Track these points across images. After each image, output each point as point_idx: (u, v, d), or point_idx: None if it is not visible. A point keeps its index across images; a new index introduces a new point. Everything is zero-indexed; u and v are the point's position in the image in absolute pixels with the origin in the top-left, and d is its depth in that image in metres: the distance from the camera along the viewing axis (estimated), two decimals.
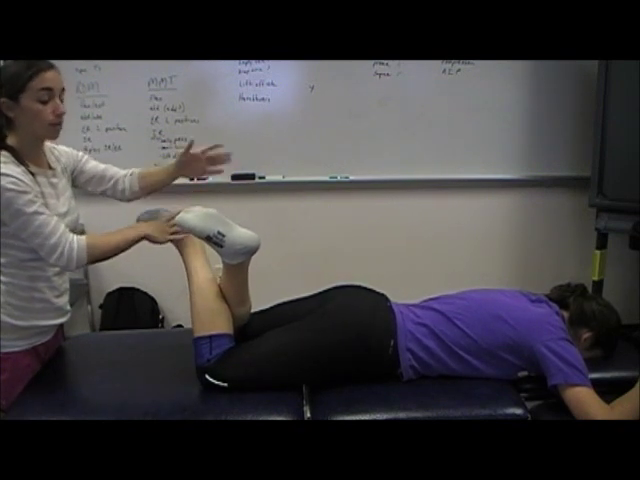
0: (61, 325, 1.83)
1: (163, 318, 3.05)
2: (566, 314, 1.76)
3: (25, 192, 1.50)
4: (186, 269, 1.74)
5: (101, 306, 3.02)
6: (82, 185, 1.83)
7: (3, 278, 1.59)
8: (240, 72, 2.80)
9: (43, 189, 1.60)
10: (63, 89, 1.58)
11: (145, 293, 3.02)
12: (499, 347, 1.65)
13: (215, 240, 1.60)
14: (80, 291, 2.94)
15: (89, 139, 2.83)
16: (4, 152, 1.52)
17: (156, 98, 2.81)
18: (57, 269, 1.68)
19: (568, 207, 3.09)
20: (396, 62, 2.83)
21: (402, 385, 1.66)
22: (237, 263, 1.64)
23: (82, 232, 1.83)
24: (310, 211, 3.02)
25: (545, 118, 2.97)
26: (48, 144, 1.71)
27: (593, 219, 2.72)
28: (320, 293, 1.83)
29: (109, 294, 3.02)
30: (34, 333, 1.68)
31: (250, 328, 1.76)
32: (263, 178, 2.93)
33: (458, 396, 1.60)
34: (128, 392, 1.64)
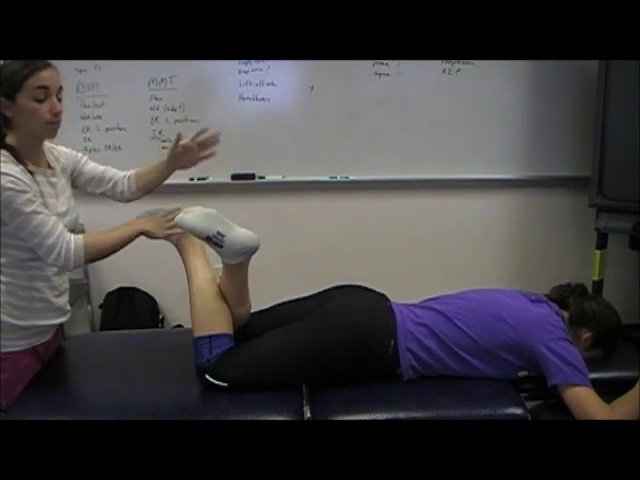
0: (61, 325, 1.83)
1: (163, 318, 3.05)
2: (566, 314, 1.76)
3: (24, 191, 1.50)
4: (186, 269, 1.74)
5: (101, 306, 3.02)
6: (82, 186, 1.83)
7: (3, 278, 1.59)
8: (240, 72, 2.80)
9: (42, 188, 1.60)
10: (60, 87, 1.58)
11: (145, 293, 3.02)
12: (499, 347, 1.65)
13: (215, 240, 1.60)
14: (80, 291, 2.94)
15: (89, 139, 2.83)
16: (3, 151, 1.52)
17: (156, 98, 2.81)
18: (56, 269, 1.68)
19: (568, 207, 3.09)
20: (396, 62, 2.83)
21: (402, 385, 1.66)
22: (237, 263, 1.64)
23: (82, 232, 1.83)
24: (310, 211, 3.02)
25: (545, 118, 2.98)
26: (47, 144, 1.71)
27: (593, 219, 2.72)
28: (320, 293, 1.83)
29: (109, 294, 3.02)
30: (34, 333, 1.68)
31: (250, 328, 1.76)
32: (263, 178, 2.93)
33: (458, 396, 1.60)
34: (128, 392, 1.64)
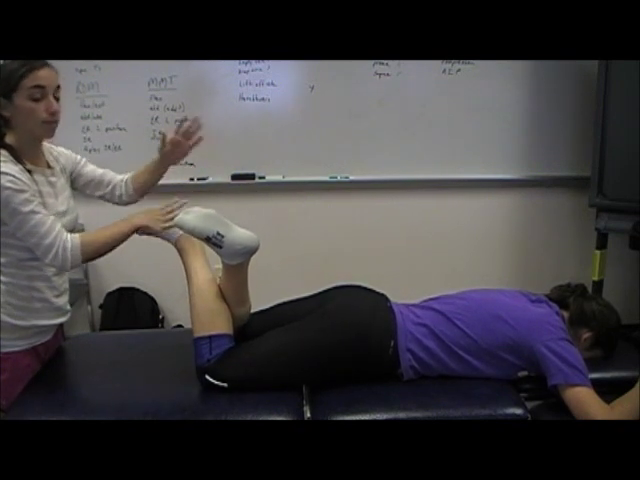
0: (61, 325, 1.83)
1: (163, 318, 3.05)
2: (566, 314, 1.76)
3: (22, 190, 1.50)
4: (185, 270, 1.74)
5: (101, 306, 3.02)
6: (81, 188, 1.83)
7: (3, 278, 1.59)
8: (240, 72, 2.80)
9: (41, 188, 1.60)
10: (58, 87, 1.57)
11: (145, 293, 3.02)
12: (499, 347, 1.65)
13: (214, 241, 1.60)
14: (80, 291, 2.94)
15: (89, 139, 2.83)
16: (2, 151, 1.52)
17: (156, 98, 2.81)
18: (56, 269, 1.68)
19: (568, 207, 3.09)
20: (396, 62, 2.83)
21: (402, 385, 1.66)
22: (236, 263, 1.64)
23: (81, 231, 1.83)
24: (310, 211, 3.02)
25: (545, 118, 2.98)
26: (46, 144, 1.71)
27: (593, 219, 2.72)
28: (320, 293, 1.83)
29: (109, 294, 3.02)
30: (34, 333, 1.68)
31: (250, 328, 1.76)
32: (263, 178, 2.93)
33: (458, 396, 1.60)
34: (128, 392, 1.64)
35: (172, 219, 1.67)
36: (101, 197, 1.88)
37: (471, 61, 2.86)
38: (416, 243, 3.07)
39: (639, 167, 2.46)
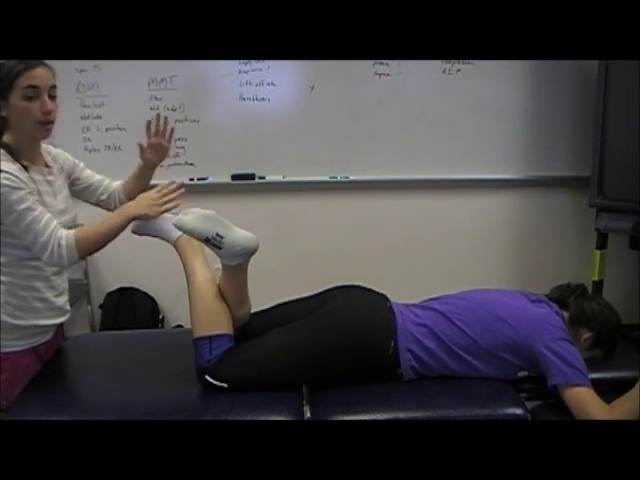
0: (61, 325, 1.83)
1: (163, 318, 3.05)
2: (566, 314, 1.76)
3: (19, 188, 1.50)
4: (185, 270, 1.74)
5: (101, 306, 3.02)
6: (78, 193, 1.83)
7: (3, 278, 1.59)
8: (240, 72, 2.80)
9: (40, 187, 1.60)
10: (54, 86, 1.57)
11: (145, 293, 3.02)
12: (499, 347, 1.65)
13: (214, 242, 1.60)
14: (80, 291, 2.94)
15: (89, 139, 2.84)
16: (0, 150, 1.53)
17: (156, 98, 2.81)
18: (55, 269, 1.68)
19: (568, 207, 3.09)
20: (396, 62, 2.83)
21: (402, 385, 1.66)
22: (236, 264, 1.64)
23: None
24: (310, 211, 3.02)
25: (545, 118, 2.98)
26: (44, 145, 1.72)
27: (593, 219, 2.72)
28: (320, 293, 1.83)
29: (109, 294, 3.02)
30: (34, 333, 1.68)
31: (250, 328, 1.76)
32: (263, 178, 2.93)
33: (458, 396, 1.60)
34: (128, 392, 1.64)
35: (169, 201, 1.66)
36: (97, 203, 1.88)
37: (471, 61, 2.86)
38: (416, 243, 3.07)
39: (639, 167, 2.46)
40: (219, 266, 1.68)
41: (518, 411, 1.57)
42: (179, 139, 2.82)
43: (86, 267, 2.99)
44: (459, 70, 2.87)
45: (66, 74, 2.72)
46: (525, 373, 1.70)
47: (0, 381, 1.62)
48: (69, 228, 1.64)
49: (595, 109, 2.62)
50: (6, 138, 1.56)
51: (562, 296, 1.81)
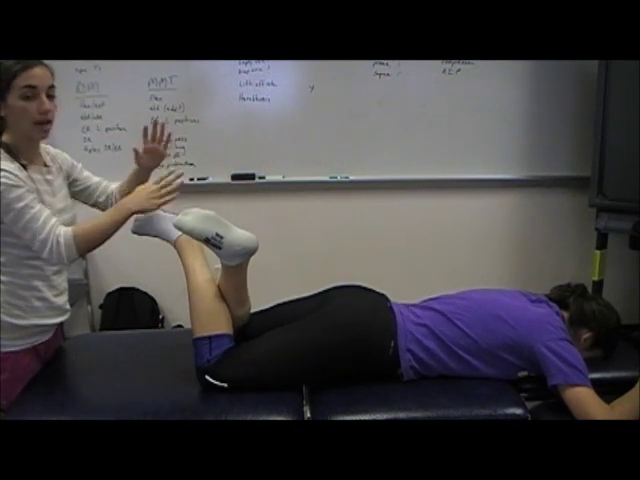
0: (61, 324, 1.83)
1: (163, 318, 3.05)
2: (566, 314, 1.76)
3: (18, 186, 1.50)
4: (185, 270, 1.74)
5: (101, 306, 3.02)
6: (76, 195, 1.83)
7: (3, 277, 1.59)
8: (240, 72, 2.80)
9: (39, 186, 1.60)
10: (52, 86, 1.57)
11: (145, 293, 3.02)
12: (499, 347, 1.65)
13: (213, 242, 1.60)
14: (80, 291, 2.94)
15: (89, 139, 2.83)
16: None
17: (156, 98, 2.81)
18: (55, 268, 1.69)
19: (568, 207, 3.09)
20: (396, 62, 2.83)
21: (402, 385, 1.66)
22: (235, 264, 1.64)
23: None
24: (310, 211, 3.02)
25: (545, 118, 2.98)
26: (43, 145, 1.72)
27: (593, 219, 2.72)
28: (320, 293, 1.83)
29: (109, 294, 3.02)
30: (34, 332, 1.68)
31: (250, 328, 1.76)
32: (263, 178, 2.93)
33: (458, 396, 1.60)
34: (128, 392, 1.64)
35: (168, 193, 1.65)
36: (94, 205, 1.88)
37: (471, 61, 2.86)
38: (416, 243, 3.07)
39: (639, 167, 2.46)
40: (219, 266, 1.68)
41: (518, 411, 1.58)
42: (179, 139, 2.82)
43: (86, 267, 2.99)
44: (459, 70, 2.87)
45: (66, 74, 2.72)
46: (525, 373, 1.70)
47: (0, 381, 1.62)
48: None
49: (595, 109, 2.62)
50: (5, 137, 1.56)
51: (562, 296, 1.81)
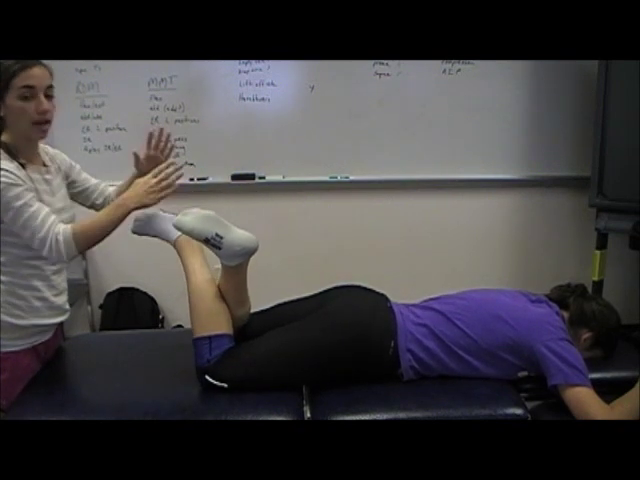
0: (61, 324, 1.83)
1: (163, 318, 3.05)
2: (566, 314, 1.76)
3: (16, 185, 1.50)
4: (184, 270, 1.74)
5: (101, 306, 3.02)
6: (74, 196, 1.83)
7: (3, 277, 1.59)
8: (240, 72, 2.80)
9: (37, 185, 1.60)
10: (50, 86, 1.57)
11: (145, 293, 3.02)
12: (499, 347, 1.65)
13: (213, 242, 1.60)
14: (80, 291, 2.94)
15: (89, 139, 2.83)
16: None
17: (156, 98, 2.81)
18: (55, 268, 1.69)
19: (568, 207, 3.09)
20: (396, 62, 2.83)
21: (402, 385, 1.66)
22: (235, 264, 1.64)
23: None
24: (310, 211, 3.02)
25: (545, 118, 2.98)
26: (42, 145, 1.72)
27: (593, 219, 2.72)
28: (320, 293, 1.83)
29: (109, 294, 3.02)
30: (34, 332, 1.69)
31: (250, 328, 1.76)
32: (263, 178, 2.93)
33: (458, 396, 1.60)
34: (128, 392, 1.64)
35: (168, 186, 1.63)
36: (92, 207, 1.88)
37: (471, 61, 2.86)
38: (416, 243, 3.07)
39: (639, 167, 2.46)
40: (219, 266, 1.68)
41: (518, 411, 1.58)
42: (179, 139, 2.82)
43: (86, 267, 2.99)
44: (459, 70, 2.87)
45: (66, 74, 2.72)
46: (525, 373, 1.70)
47: (0, 381, 1.62)
48: None
49: (595, 109, 2.62)
50: (4, 137, 1.56)
51: (562, 296, 1.81)
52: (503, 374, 1.68)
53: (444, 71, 2.87)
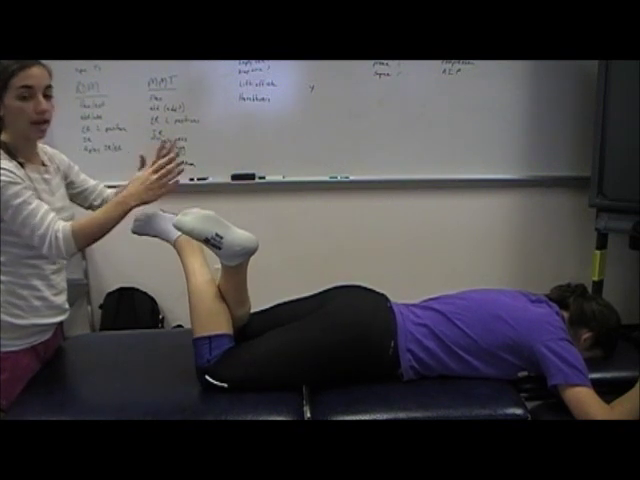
0: (60, 324, 1.83)
1: (163, 318, 3.05)
2: (566, 314, 1.76)
3: (15, 183, 1.50)
4: (184, 270, 1.74)
5: (101, 306, 3.02)
6: (72, 197, 1.83)
7: (2, 277, 1.59)
8: (240, 72, 2.80)
9: (36, 185, 1.60)
10: (49, 86, 1.57)
11: (145, 293, 3.02)
12: (499, 347, 1.65)
13: (213, 242, 1.60)
14: (80, 291, 2.94)
15: (89, 139, 2.83)
16: None
17: (156, 98, 2.81)
18: (54, 267, 1.69)
19: (568, 207, 3.09)
20: (396, 62, 2.83)
21: (402, 385, 1.66)
22: (235, 264, 1.64)
23: None
24: (310, 211, 3.02)
25: (545, 118, 2.97)
26: (41, 145, 1.72)
27: (593, 219, 2.72)
28: (320, 293, 1.83)
29: (109, 294, 3.02)
30: (33, 332, 1.69)
31: (250, 328, 1.76)
32: (263, 178, 2.93)
33: (458, 396, 1.60)
34: (128, 392, 1.64)
35: (168, 182, 1.62)
36: (90, 208, 1.88)
37: (471, 61, 2.86)
38: (416, 243, 3.07)
39: (639, 167, 2.46)
40: (219, 266, 1.68)
41: (518, 411, 1.57)
42: (179, 139, 2.82)
43: (86, 267, 2.99)
44: (459, 70, 2.87)
45: (66, 74, 2.73)
46: (525, 373, 1.70)
47: (0, 381, 1.62)
48: None
49: (595, 109, 2.62)
50: (3, 136, 1.57)
51: (562, 296, 1.81)
52: (503, 374, 1.68)
53: (444, 71, 2.87)
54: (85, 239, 1.59)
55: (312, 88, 2.85)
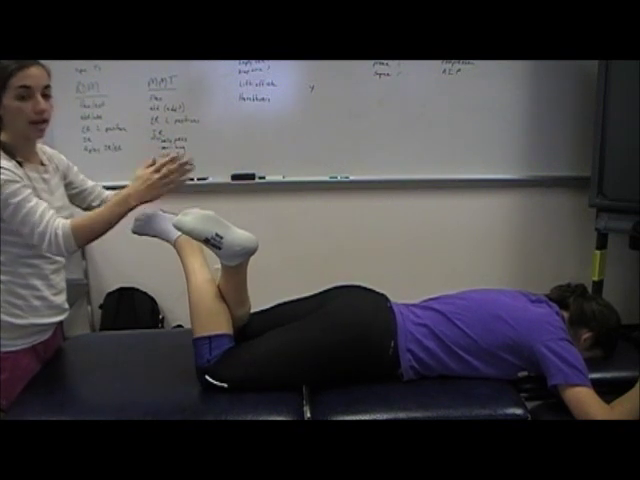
0: (60, 324, 1.83)
1: (163, 318, 3.05)
2: (566, 314, 1.76)
3: (14, 181, 1.50)
4: (184, 270, 1.74)
5: (101, 306, 3.02)
6: (70, 198, 1.82)
7: (2, 277, 1.59)
8: (240, 72, 2.80)
9: (35, 184, 1.60)
10: (47, 86, 1.57)
11: (145, 293, 3.02)
12: (499, 347, 1.65)
13: (213, 242, 1.60)
14: (80, 291, 2.94)
15: (89, 139, 2.84)
16: None
17: (156, 98, 2.81)
18: (54, 267, 1.69)
19: (568, 207, 3.09)
20: (396, 62, 2.83)
21: (402, 385, 1.66)
22: (235, 264, 1.64)
23: None
24: (310, 211, 3.02)
25: (545, 118, 2.98)
26: (39, 145, 1.72)
27: (593, 219, 2.72)
28: (320, 293, 1.83)
29: (109, 294, 3.02)
30: (33, 332, 1.69)
31: (250, 328, 1.76)
32: (263, 178, 2.93)
33: (458, 396, 1.60)
34: (128, 392, 1.64)
35: (171, 182, 1.62)
36: (88, 209, 1.87)
37: (471, 61, 2.86)
38: (416, 243, 3.07)
39: (639, 167, 2.46)
40: (219, 266, 1.68)
41: (518, 411, 1.57)
42: (179, 139, 2.83)
43: (86, 267, 3.00)
44: (459, 70, 2.87)
45: (66, 74, 2.73)
46: (525, 373, 1.70)
47: (0, 381, 1.62)
48: None
49: (595, 109, 2.62)
50: (2, 136, 1.57)
51: (562, 296, 1.81)
52: (503, 374, 1.68)
53: (444, 71, 2.87)
54: (85, 237, 1.59)
55: (312, 88, 2.85)
